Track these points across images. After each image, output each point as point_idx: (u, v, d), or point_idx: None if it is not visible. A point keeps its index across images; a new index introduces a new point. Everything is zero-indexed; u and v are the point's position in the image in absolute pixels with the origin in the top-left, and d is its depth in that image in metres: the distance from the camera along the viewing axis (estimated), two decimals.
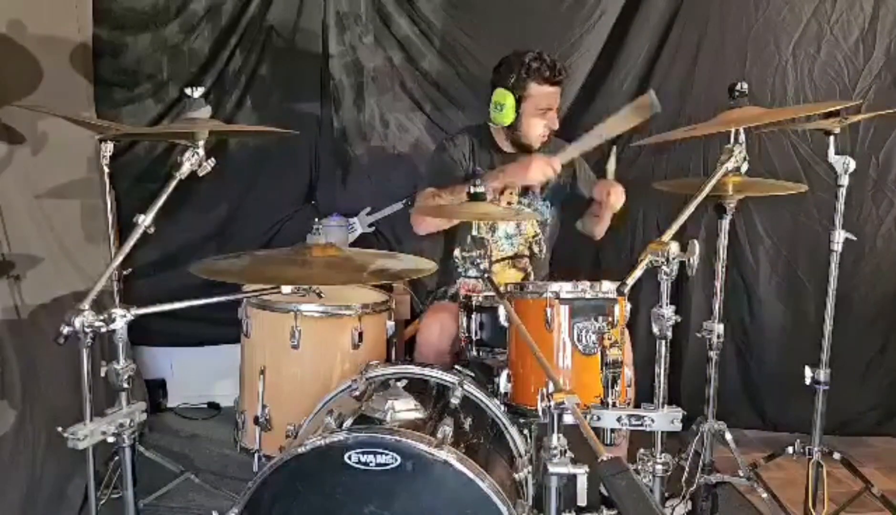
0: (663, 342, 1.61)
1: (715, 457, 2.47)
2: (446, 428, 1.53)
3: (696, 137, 2.98)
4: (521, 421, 1.85)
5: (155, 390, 3.32)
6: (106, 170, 2.34)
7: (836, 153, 2.23)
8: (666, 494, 1.90)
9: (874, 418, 3.25)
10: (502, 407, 1.85)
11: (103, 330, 1.42)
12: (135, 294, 2.56)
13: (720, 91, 2.21)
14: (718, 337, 2.40)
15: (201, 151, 1.62)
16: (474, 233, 2.50)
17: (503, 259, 2.56)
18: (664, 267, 1.55)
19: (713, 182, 1.71)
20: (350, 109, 3.23)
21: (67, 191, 2.79)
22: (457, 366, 1.96)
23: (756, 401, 3.27)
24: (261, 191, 3.23)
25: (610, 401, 1.59)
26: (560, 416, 1.27)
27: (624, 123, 2.24)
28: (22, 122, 2.56)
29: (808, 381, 2.34)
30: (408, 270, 1.97)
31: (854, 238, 2.30)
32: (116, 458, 1.67)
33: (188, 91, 1.72)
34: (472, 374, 1.93)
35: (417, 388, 1.80)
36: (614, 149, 2.42)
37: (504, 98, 2.44)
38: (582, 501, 1.26)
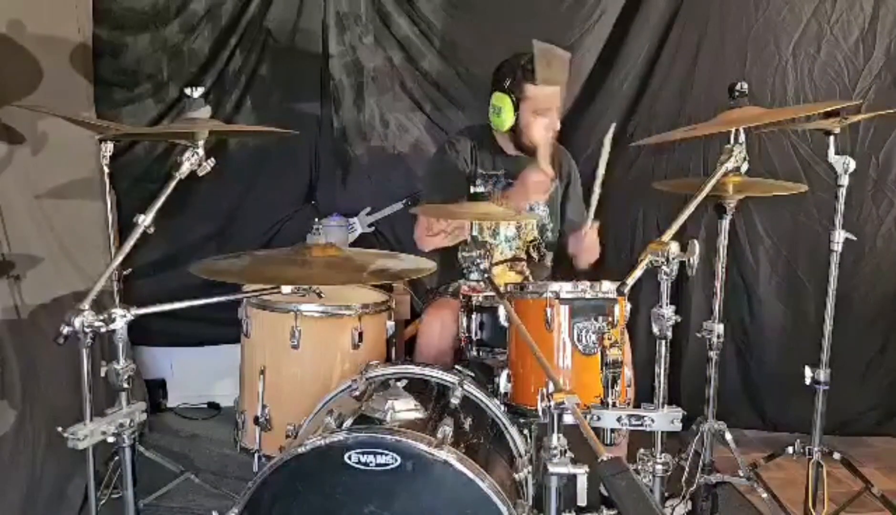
0: (663, 342, 1.61)
1: (715, 457, 2.47)
2: (446, 428, 1.53)
3: (696, 137, 2.98)
4: (521, 421, 1.85)
5: (155, 390, 3.32)
6: (106, 170, 2.34)
7: (836, 153, 2.23)
8: (666, 494, 1.91)
9: (874, 418, 3.25)
10: (502, 407, 1.85)
11: (103, 330, 1.42)
12: (135, 294, 2.57)
13: (720, 91, 2.21)
14: (718, 337, 2.40)
15: (201, 151, 1.62)
16: (475, 234, 2.50)
17: (502, 261, 2.56)
18: (664, 267, 1.55)
19: (713, 182, 1.71)
20: (350, 109, 3.23)
21: (67, 191, 2.78)
22: (457, 366, 1.96)
23: (756, 401, 3.27)
24: (261, 191, 3.23)
25: (610, 401, 1.59)
26: (560, 416, 1.27)
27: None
28: (22, 122, 2.56)
29: (808, 381, 2.34)
30: (408, 270, 1.97)
31: (854, 238, 2.31)
32: (116, 458, 1.67)
33: (188, 91, 1.72)
34: (472, 374, 1.93)
35: (417, 388, 1.80)
36: (598, 184, 2.39)
37: (502, 101, 2.43)
38: (582, 501, 1.26)
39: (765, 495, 2.43)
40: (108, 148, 2.32)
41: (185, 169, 1.60)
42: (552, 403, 1.26)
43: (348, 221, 3.22)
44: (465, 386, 1.83)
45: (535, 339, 1.52)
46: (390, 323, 2.30)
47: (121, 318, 1.45)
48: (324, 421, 1.55)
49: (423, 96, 3.23)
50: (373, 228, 3.24)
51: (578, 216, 2.62)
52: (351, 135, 3.25)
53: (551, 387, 1.28)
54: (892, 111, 2.50)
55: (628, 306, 1.88)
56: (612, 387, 1.59)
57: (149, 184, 3.02)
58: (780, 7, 3.05)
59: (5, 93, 2.50)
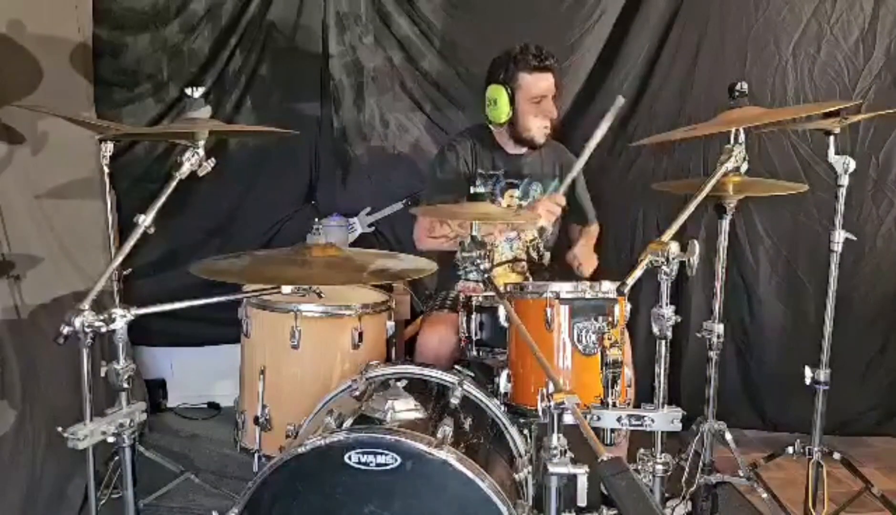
0: (663, 342, 1.61)
1: (715, 457, 2.47)
2: (446, 428, 1.53)
3: (696, 137, 2.98)
4: (521, 421, 1.85)
5: (155, 390, 3.32)
6: (106, 170, 2.34)
7: (836, 153, 2.23)
8: (666, 494, 1.91)
9: (874, 418, 3.25)
10: (502, 407, 1.85)
11: (103, 330, 1.42)
12: (135, 294, 2.56)
13: (720, 91, 2.21)
14: (718, 337, 2.40)
15: (201, 151, 1.62)
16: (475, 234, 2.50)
17: (502, 263, 2.56)
18: (664, 267, 1.55)
19: (713, 182, 1.71)
20: (350, 109, 3.23)
21: (67, 191, 2.78)
22: (457, 366, 1.96)
23: (756, 401, 3.27)
24: (261, 191, 3.23)
25: (610, 401, 1.59)
26: (560, 416, 1.27)
27: (605, 126, 2.40)
28: (22, 122, 2.56)
29: (808, 381, 2.34)
30: (408, 270, 1.97)
31: (854, 238, 2.31)
32: (116, 458, 1.67)
33: (188, 91, 1.72)
34: (472, 374, 1.93)
35: (417, 388, 1.80)
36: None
37: (497, 93, 2.45)
38: (582, 501, 1.26)
39: (765, 495, 2.43)
40: (108, 148, 2.32)
41: (186, 169, 1.60)
42: (552, 403, 1.26)
43: (348, 221, 3.22)
44: (465, 386, 1.83)
45: (535, 339, 1.52)
46: (390, 324, 2.30)
47: (121, 318, 1.45)
48: (324, 421, 1.55)
49: (423, 96, 3.24)
50: (373, 228, 3.24)
51: (588, 208, 2.72)
52: (351, 135, 3.25)
53: (551, 387, 1.28)
54: (892, 111, 2.49)
55: (628, 306, 1.88)
56: (612, 387, 1.60)
57: (149, 184, 3.02)
58: (780, 7, 3.05)
59: (5, 93, 2.50)
